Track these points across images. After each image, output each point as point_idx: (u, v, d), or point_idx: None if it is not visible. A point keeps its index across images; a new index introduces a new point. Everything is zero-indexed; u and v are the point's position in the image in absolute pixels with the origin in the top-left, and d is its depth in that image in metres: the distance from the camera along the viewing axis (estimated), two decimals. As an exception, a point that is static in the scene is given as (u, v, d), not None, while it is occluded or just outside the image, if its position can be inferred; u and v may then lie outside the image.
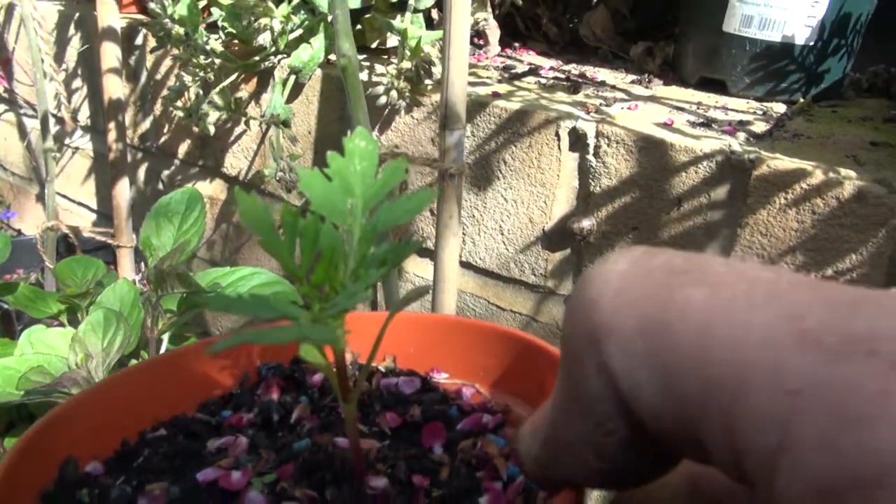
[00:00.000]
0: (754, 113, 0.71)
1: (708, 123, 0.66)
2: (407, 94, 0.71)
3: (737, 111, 0.71)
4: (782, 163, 0.57)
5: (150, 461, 0.24)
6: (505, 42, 0.95)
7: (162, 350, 0.59)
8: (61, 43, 1.10)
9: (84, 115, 1.14)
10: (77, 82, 1.11)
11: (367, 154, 0.21)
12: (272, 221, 0.20)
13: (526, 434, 0.17)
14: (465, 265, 0.78)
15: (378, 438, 0.25)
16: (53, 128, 0.99)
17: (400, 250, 0.20)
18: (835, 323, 0.13)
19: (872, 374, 0.12)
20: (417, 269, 0.82)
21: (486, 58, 0.90)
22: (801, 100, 0.74)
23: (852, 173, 0.55)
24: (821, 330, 0.13)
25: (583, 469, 0.16)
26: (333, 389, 0.24)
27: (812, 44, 0.71)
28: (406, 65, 0.69)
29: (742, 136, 0.63)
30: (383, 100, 0.72)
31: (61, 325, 0.62)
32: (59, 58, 1.09)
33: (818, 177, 0.55)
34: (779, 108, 0.73)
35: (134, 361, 0.60)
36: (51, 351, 0.50)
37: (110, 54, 0.86)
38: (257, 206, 0.20)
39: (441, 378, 0.28)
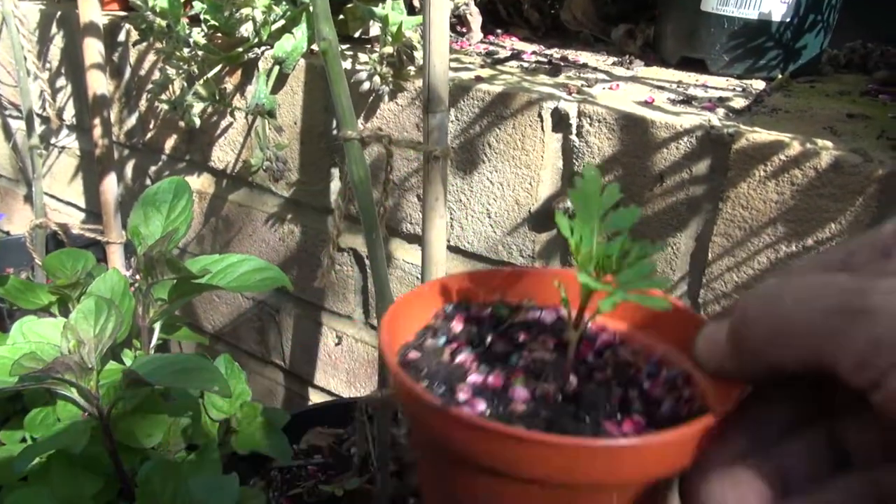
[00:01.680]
0: (734, 90, 0.72)
1: (688, 101, 0.67)
2: (390, 79, 0.72)
3: (716, 88, 0.72)
4: (760, 136, 0.58)
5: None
6: (487, 29, 0.96)
7: (154, 338, 0.59)
8: (44, 41, 1.10)
9: (69, 114, 1.14)
10: (61, 81, 1.11)
11: (592, 179, 0.33)
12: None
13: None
14: (453, 250, 0.79)
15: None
16: (39, 127, 0.99)
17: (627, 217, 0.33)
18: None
19: None
20: (406, 256, 0.83)
21: (469, 44, 0.91)
22: (780, 76, 0.75)
23: (829, 144, 0.56)
24: None
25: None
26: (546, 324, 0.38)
27: (789, 20, 0.72)
28: (388, 50, 0.70)
29: (721, 111, 0.64)
30: (366, 86, 0.72)
31: (52, 316, 0.62)
32: (42, 56, 1.09)
33: (796, 148, 0.56)
34: (758, 84, 0.74)
35: (126, 350, 0.60)
36: (43, 339, 0.50)
37: (93, 50, 0.86)
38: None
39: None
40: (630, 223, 0.32)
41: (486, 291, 0.40)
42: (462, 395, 0.32)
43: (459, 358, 0.35)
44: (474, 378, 0.34)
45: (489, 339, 0.37)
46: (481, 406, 0.31)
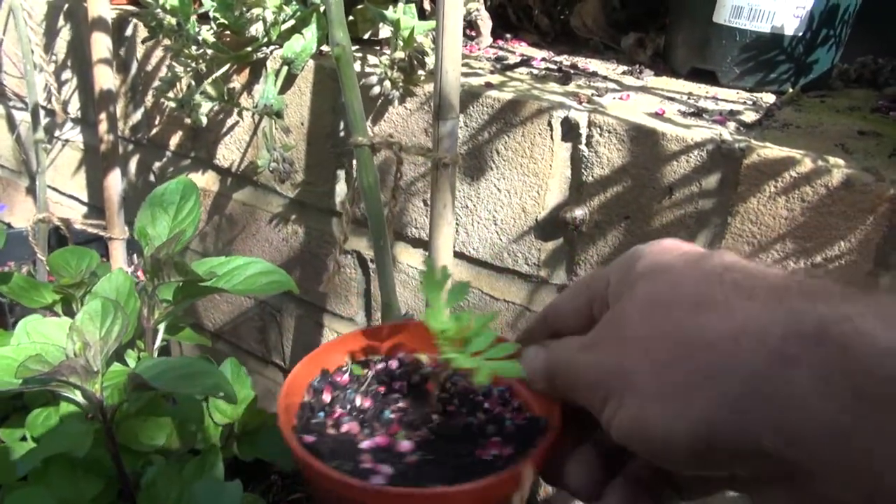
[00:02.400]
0: (744, 103, 0.72)
1: (699, 113, 0.67)
2: (400, 84, 0.71)
3: (727, 101, 0.72)
4: (772, 151, 0.57)
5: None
6: (496, 33, 0.95)
7: (158, 340, 0.59)
8: (50, 34, 1.09)
9: (74, 108, 1.13)
10: (67, 74, 1.11)
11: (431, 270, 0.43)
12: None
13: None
14: (458, 255, 0.78)
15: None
16: (43, 120, 0.99)
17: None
18: None
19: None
20: (410, 260, 0.82)
21: (478, 49, 0.90)
22: (791, 90, 0.75)
23: (841, 161, 0.56)
24: None
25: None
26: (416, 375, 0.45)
27: (801, 34, 0.72)
28: (399, 55, 0.69)
29: (732, 125, 0.64)
30: (376, 90, 0.72)
31: (56, 315, 0.62)
32: (48, 49, 1.09)
33: (807, 165, 0.56)
34: (768, 98, 0.74)
35: (130, 351, 0.60)
36: (47, 340, 0.50)
37: (100, 44, 0.86)
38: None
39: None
40: (461, 298, 0.42)
41: (351, 352, 0.48)
42: (367, 465, 0.37)
43: (344, 428, 0.42)
44: (367, 444, 0.40)
45: (358, 401, 0.44)
46: (388, 469, 0.37)
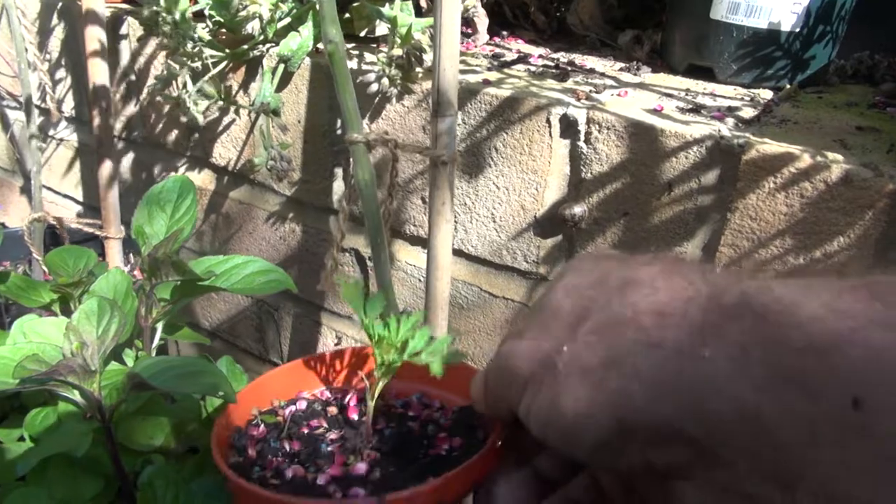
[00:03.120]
0: (742, 99, 0.72)
1: (697, 109, 0.67)
2: (398, 81, 0.71)
3: (725, 97, 0.72)
4: (771, 147, 0.57)
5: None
6: (493, 30, 0.95)
7: (156, 339, 0.59)
8: (44, 33, 1.08)
9: (69, 107, 1.13)
10: (61, 73, 1.10)
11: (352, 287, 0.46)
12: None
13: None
14: (457, 253, 0.78)
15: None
16: (38, 119, 0.98)
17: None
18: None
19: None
20: (409, 258, 0.82)
21: (475, 46, 0.90)
22: (788, 86, 0.75)
23: (839, 157, 0.56)
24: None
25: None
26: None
27: (798, 30, 0.72)
28: (397, 52, 0.69)
29: (731, 121, 0.64)
30: (374, 87, 0.72)
31: (53, 314, 0.61)
32: (42, 47, 1.08)
33: (806, 161, 0.56)
34: (766, 94, 0.74)
35: (128, 350, 0.59)
36: (44, 340, 0.50)
37: (94, 38, 0.85)
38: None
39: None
40: (380, 308, 0.45)
41: (272, 396, 0.50)
42: (339, 496, 0.40)
43: (288, 474, 0.43)
44: (322, 480, 0.42)
45: (287, 447, 0.46)
46: (361, 492, 0.39)
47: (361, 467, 0.43)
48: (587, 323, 0.26)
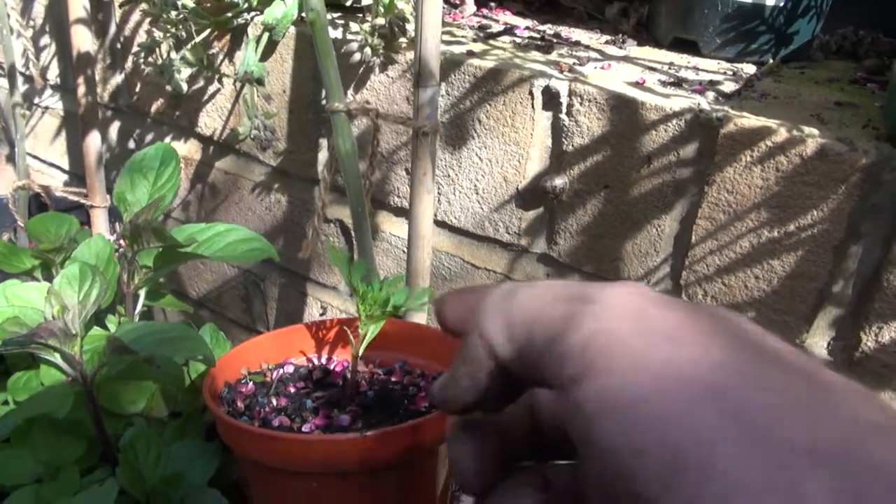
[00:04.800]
0: (724, 73, 0.72)
1: (678, 83, 0.67)
2: (381, 51, 0.71)
3: (707, 71, 0.72)
4: (748, 121, 0.58)
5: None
6: (481, 1, 0.95)
7: (139, 305, 0.59)
8: (27, -2, 1.07)
9: (53, 74, 1.12)
10: (45, 39, 1.09)
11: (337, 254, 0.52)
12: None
13: (439, 379, 0.27)
14: (440, 224, 0.79)
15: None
16: (22, 86, 0.98)
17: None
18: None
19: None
20: (393, 229, 0.83)
21: (462, 17, 0.90)
22: (771, 61, 0.75)
23: (815, 131, 0.56)
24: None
25: (463, 392, 0.25)
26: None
27: (782, 5, 0.72)
28: (380, 21, 0.69)
29: (711, 95, 0.64)
30: (357, 57, 0.71)
31: (35, 280, 0.62)
32: (25, 14, 1.07)
33: (782, 135, 0.57)
34: (749, 68, 0.74)
35: (111, 316, 0.60)
36: (26, 304, 0.50)
37: (78, 5, 0.84)
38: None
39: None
40: (365, 272, 0.49)
41: (263, 358, 0.55)
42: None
43: (275, 423, 0.47)
44: (307, 427, 0.46)
45: (274, 402, 0.49)
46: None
47: (345, 419, 0.46)
48: None
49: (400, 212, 0.82)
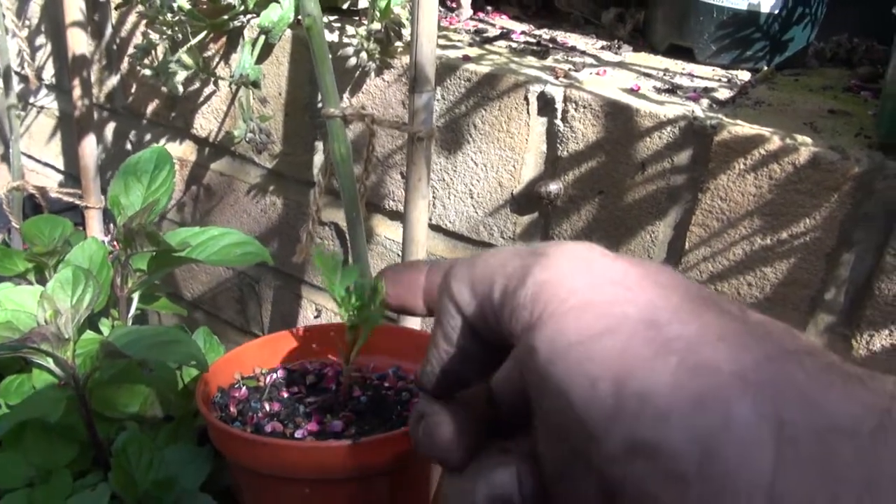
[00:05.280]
0: (719, 80, 0.72)
1: (673, 90, 0.67)
2: (377, 55, 0.71)
3: (702, 78, 0.72)
4: (742, 129, 0.58)
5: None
6: (477, 5, 0.95)
7: (132, 309, 0.59)
8: (23, -2, 1.07)
9: (48, 74, 1.11)
10: (40, 39, 1.09)
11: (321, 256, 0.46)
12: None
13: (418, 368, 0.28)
14: (434, 228, 0.79)
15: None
16: (17, 86, 0.97)
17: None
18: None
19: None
20: (388, 232, 0.83)
21: (458, 21, 0.90)
22: (766, 68, 0.75)
23: (808, 140, 0.57)
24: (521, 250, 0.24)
25: (441, 360, 0.26)
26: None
27: (777, 12, 0.73)
28: (376, 26, 0.69)
29: (705, 102, 0.65)
30: (353, 61, 0.71)
31: (29, 283, 0.62)
32: (20, 14, 1.06)
33: (776, 143, 0.57)
34: (743, 75, 0.75)
35: (104, 320, 0.60)
36: (18, 308, 0.50)
37: (74, 7, 0.84)
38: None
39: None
40: (353, 278, 0.46)
41: (253, 364, 0.54)
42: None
43: (268, 428, 0.46)
44: (300, 433, 0.45)
45: (267, 407, 0.49)
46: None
47: (337, 425, 0.46)
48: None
49: (394, 215, 0.82)
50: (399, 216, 0.81)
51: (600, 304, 0.20)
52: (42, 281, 0.61)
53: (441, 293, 0.26)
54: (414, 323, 0.70)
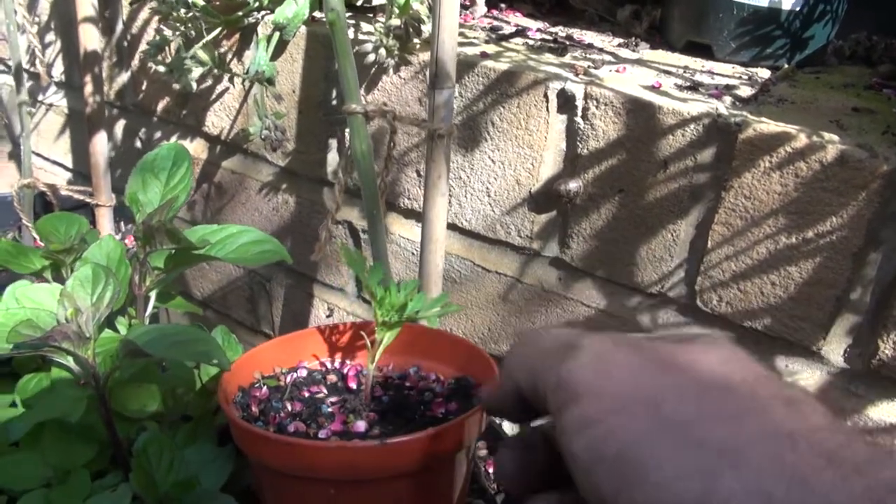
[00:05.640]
0: (740, 77, 0.71)
1: (695, 87, 0.66)
2: (396, 52, 0.70)
3: (723, 75, 0.72)
4: (768, 126, 0.58)
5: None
6: (491, 3, 0.94)
7: (150, 307, 0.58)
8: (33, -6, 1.06)
9: (58, 71, 1.11)
10: (51, 36, 1.08)
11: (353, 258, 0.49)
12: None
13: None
14: (450, 227, 0.78)
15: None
16: (27, 83, 0.97)
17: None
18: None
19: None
20: (403, 231, 0.82)
21: (473, 18, 0.89)
22: (786, 66, 0.74)
23: (835, 137, 0.56)
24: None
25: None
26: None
27: (798, 9, 0.72)
28: (395, 22, 0.68)
29: (728, 99, 0.64)
30: (371, 58, 0.71)
31: (44, 281, 0.61)
32: (31, 10, 1.06)
33: (802, 140, 0.56)
34: (763, 73, 0.74)
35: (121, 318, 0.59)
36: (38, 306, 0.49)
37: (85, 3, 0.84)
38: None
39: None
40: (381, 276, 0.48)
41: (275, 362, 0.54)
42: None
43: (291, 428, 0.46)
44: (324, 433, 0.45)
45: (289, 407, 0.49)
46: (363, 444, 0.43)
47: (361, 425, 0.46)
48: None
49: (410, 214, 0.81)
50: (414, 214, 0.81)
51: (610, 391, 0.24)
52: (58, 279, 0.61)
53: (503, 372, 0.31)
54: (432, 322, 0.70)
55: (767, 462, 0.20)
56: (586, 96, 0.65)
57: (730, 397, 0.23)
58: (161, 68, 0.81)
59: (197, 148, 0.98)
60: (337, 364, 0.56)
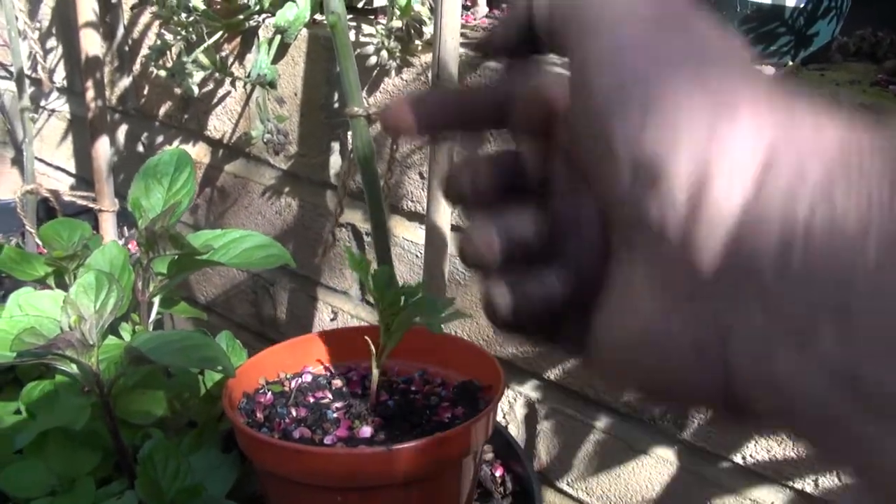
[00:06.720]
0: (744, 76, 0.71)
1: (699, 86, 0.66)
2: (397, 53, 0.70)
3: (727, 74, 0.71)
4: (774, 125, 0.57)
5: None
6: (493, 3, 0.94)
7: (154, 313, 0.58)
8: (35, 0, 1.06)
9: (60, 77, 1.11)
10: (52, 42, 1.08)
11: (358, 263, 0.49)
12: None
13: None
14: (454, 229, 0.78)
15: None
16: (29, 89, 0.97)
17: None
18: None
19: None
20: (406, 233, 0.82)
21: (475, 19, 0.89)
22: (791, 63, 0.74)
23: (842, 135, 0.55)
24: None
25: (501, 27, 0.27)
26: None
27: (802, 6, 0.71)
28: (396, 24, 0.68)
29: (733, 98, 0.63)
30: (373, 60, 0.70)
31: (48, 288, 0.61)
32: (33, 16, 1.06)
33: (809, 138, 0.56)
34: (768, 70, 0.73)
35: (124, 324, 0.59)
36: (41, 313, 0.49)
37: (86, 8, 0.84)
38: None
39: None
40: (386, 279, 0.48)
41: (276, 369, 0.54)
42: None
43: (296, 434, 0.45)
44: (329, 439, 0.45)
45: (294, 413, 0.48)
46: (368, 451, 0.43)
47: (367, 430, 0.45)
48: None
49: (413, 216, 0.81)
50: (418, 217, 0.80)
51: (633, 21, 0.22)
52: (62, 285, 0.60)
53: None
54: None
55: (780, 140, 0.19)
56: (590, 96, 0.65)
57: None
58: (162, 73, 0.81)
59: (199, 152, 0.97)
60: (342, 369, 0.56)
